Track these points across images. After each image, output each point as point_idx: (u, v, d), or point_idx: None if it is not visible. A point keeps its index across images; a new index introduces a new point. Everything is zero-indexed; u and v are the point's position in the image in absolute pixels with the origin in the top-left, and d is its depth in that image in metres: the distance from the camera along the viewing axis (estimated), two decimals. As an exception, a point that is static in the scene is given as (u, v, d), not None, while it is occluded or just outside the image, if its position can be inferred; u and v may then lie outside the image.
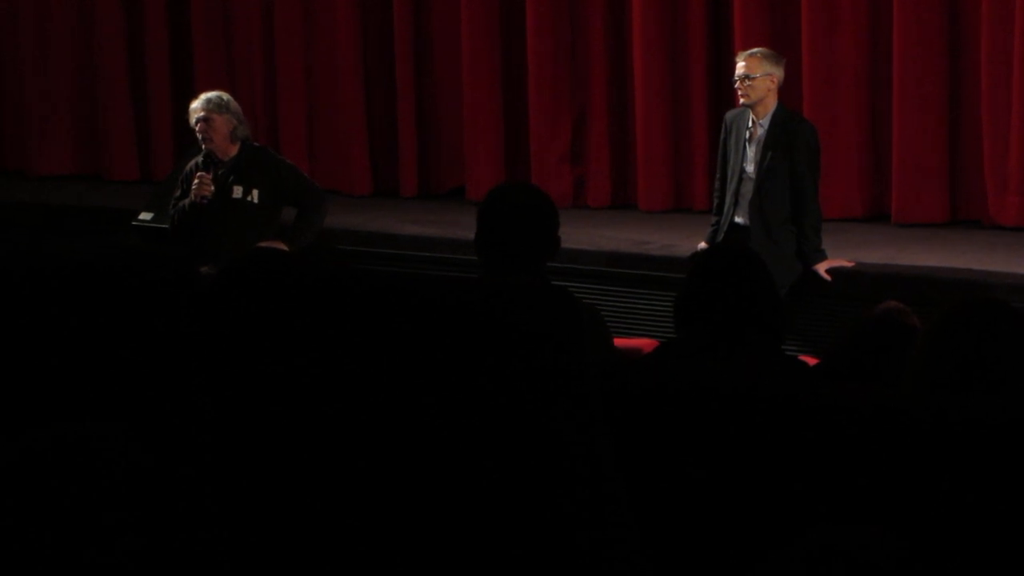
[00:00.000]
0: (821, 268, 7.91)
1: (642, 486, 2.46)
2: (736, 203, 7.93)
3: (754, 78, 7.81)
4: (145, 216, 9.38)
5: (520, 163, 10.41)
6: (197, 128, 7.95)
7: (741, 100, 7.90)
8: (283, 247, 7.81)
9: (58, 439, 2.33)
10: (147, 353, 2.72)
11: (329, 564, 2.34)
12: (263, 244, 7.78)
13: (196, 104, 8.00)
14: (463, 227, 8.51)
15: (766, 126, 7.84)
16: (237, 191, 7.94)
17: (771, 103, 7.86)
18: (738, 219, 7.91)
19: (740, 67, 7.91)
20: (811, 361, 4.97)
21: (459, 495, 2.21)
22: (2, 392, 2.76)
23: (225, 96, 8.06)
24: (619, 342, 5.68)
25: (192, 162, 8.16)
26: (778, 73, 7.86)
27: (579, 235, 8.75)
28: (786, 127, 7.83)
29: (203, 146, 7.99)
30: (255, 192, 7.93)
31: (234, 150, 7.97)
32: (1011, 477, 2.45)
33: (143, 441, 2.37)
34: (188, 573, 2.36)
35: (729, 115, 8.05)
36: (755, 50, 8.00)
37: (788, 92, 8.25)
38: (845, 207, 9.42)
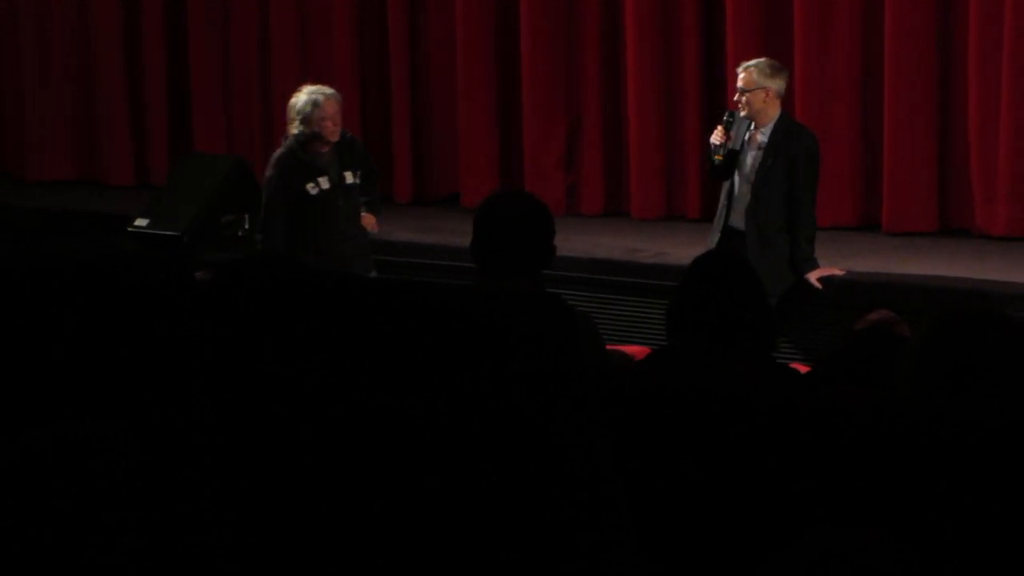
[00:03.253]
0: (813, 277, 7.92)
1: (640, 488, 2.47)
2: (731, 207, 7.94)
3: (747, 92, 7.84)
4: (141, 222, 9.37)
5: (514, 170, 10.42)
6: (335, 120, 8.08)
7: (741, 112, 7.91)
8: (374, 218, 8.34)
9: (58, 439, 2.34)
10: (146, 355, 2.72)
11: (328, 565, 2.35)
12: (363, 217, 8.25)
13: (334, 98, 8.11)
14: (458, 234, 8.52)
15: (767, 135, 7.85)
16: (348, 176, 8.18)
17: (772, 112, 7.87)
18: (734, 224, 7.92)
19: (738, 79, 7.94)
20: (803, 369, 4.99)
21: (458, 497, 2.22)
22: (2, 392, 2.77)
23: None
24: (611, 349, 5.69)
25: (285, 155, 8.10)
26: (774, 85, 7.85)
27: (572, 243, 8.76)
28: (788, 135, 7.84)
29: (331, 138, 8.09)
30: (358, 174, 8.21)
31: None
32: (1006, 479, 2.46)
33: (143, 441, 2.38)
34: (188, 573, 2.37)
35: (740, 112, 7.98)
36: (751, 63, 7.99)
37: (783, 102, 8.26)
38: (836, 216, 9.44)
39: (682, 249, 8.60)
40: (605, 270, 8.80)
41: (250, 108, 11.30)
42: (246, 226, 9.16)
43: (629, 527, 2.19)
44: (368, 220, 8.29)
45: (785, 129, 7.86)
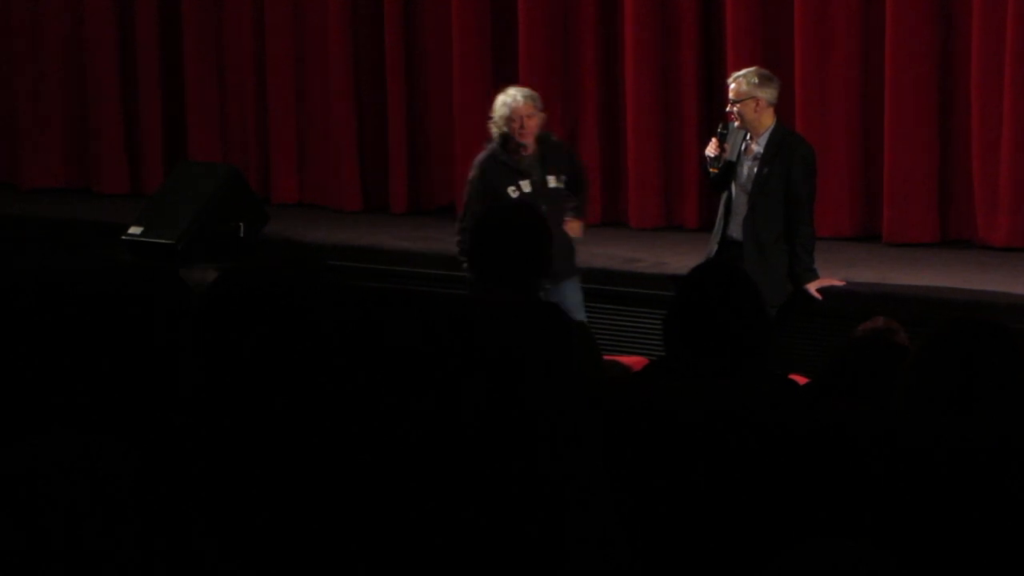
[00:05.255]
0: (812, 287, 7.91)
1: (633, 504, 2.46)
2: (729, 217, 7.92)
3: (738, 102, 7.82)
4: (135, 230, 9.37)
5: (511, 180, 10.41)
6: (524, 122, 8.03)
7: (735, 124, 7.89)
8: (579, 224, 8.27)
9: (54, 447, 2.33)
10: (142, 364, 2.72)
11: (323, 569, 2.34)
12: (567, 221, 8.14)
13: (527, 100, 8.07)
14: (453, 244, 8.51)
15: (763, 145, 7.83)
16: (552, 180, 8.11)
17: (766, 122, 7.84)
18: (732, 234, 7.91)
19: (729, 90, 7.92)
20: (801, 380, 4.96)
21: (445, 512, 2.21)
22: (1, 402, 2.77)
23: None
24: (609, 360, 5.67)
25: (487, 158, 8.10)
26: (764, 95, 7.81)
27: (570, 252, 8.73)
28: (783, 145, 7.81)
29: (519, 139, 8.05)
30: (562, 178, 8.13)
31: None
32: (1000, 496, 2.45)
33: (139, 449, 2.38)
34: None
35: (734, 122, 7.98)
36: (740, 73, 7.96)
37: (780, 111, 8.25)
38: (836, 227, 9.43)
39: (680, 259, 8.58)
40: (603, 280, 8.79)
41: (245, 117, 11.29)
42: (241, 234, 9.15)
43: (621, 541, 2.17)
44: (572, 226, 8.19)
45: (780, 139, 7.83)
